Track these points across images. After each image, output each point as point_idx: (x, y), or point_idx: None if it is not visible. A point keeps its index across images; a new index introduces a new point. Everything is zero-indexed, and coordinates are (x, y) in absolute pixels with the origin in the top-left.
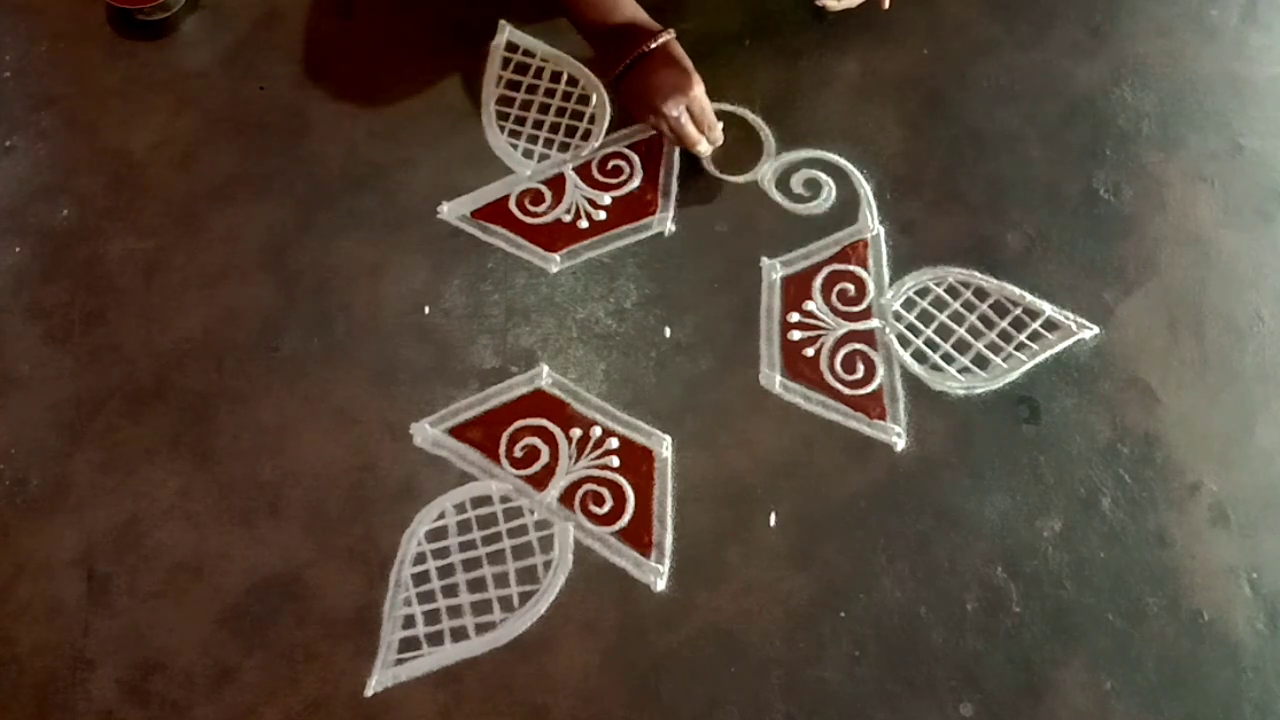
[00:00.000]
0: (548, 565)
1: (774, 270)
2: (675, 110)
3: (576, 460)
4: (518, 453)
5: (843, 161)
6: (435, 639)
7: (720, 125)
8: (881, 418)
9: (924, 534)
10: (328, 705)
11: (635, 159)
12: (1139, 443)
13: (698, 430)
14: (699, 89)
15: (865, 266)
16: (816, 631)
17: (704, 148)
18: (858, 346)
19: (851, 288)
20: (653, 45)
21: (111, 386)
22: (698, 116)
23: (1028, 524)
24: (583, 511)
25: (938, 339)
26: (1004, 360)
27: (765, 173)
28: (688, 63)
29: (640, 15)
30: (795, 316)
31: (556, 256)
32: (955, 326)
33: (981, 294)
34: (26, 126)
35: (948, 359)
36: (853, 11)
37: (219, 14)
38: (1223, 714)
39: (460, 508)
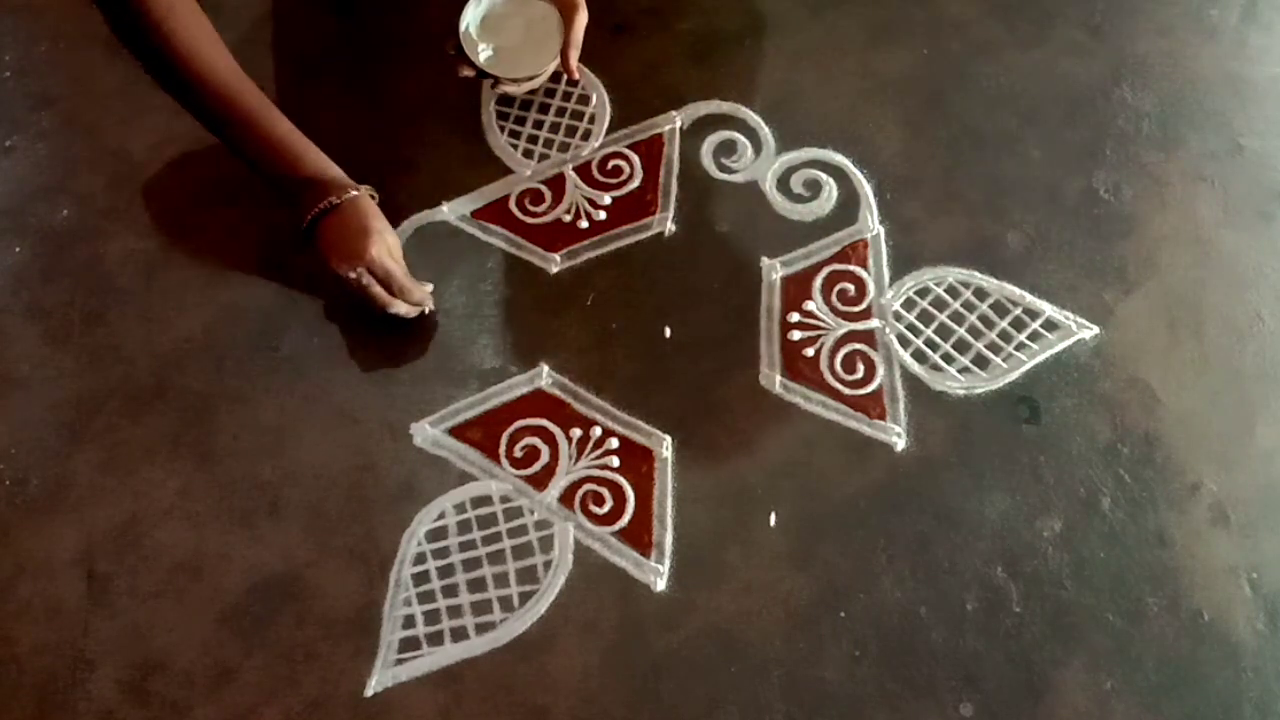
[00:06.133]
0: (548, 565)
1: (774, 270)
2: (352, 273)
3: (576, 460)
4: (518, 453)
5: (843, 161)
6: (435, 639)
7: (429, 288)
8: (881, 418)
9: (924, 534)
10: (328, 705)
11: (635, 159)
12: (1139, 443)
13: (698, 430)
14: (376, 249)
15: (865, 266)
16: (816, 631)
17: (401, 309)
18: (858, 346)
19: (851, 288)
20: (333, 201)
21: (111, 386)
22: (382, 279)
23: (1028, 524)
24: (583, 511)
25: (938, 339)
26: (1004, 360)
27: (765, 173)
28: (372, 222)
29: (329, 170)
30: (795, 316)
31: (556, 256)
32: (955, 326)
33: (981, 294)
34: (26, 126)
35: (948, 359)
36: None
37: (219, 14)
38: (1223, 714)
39: (460, 508)
